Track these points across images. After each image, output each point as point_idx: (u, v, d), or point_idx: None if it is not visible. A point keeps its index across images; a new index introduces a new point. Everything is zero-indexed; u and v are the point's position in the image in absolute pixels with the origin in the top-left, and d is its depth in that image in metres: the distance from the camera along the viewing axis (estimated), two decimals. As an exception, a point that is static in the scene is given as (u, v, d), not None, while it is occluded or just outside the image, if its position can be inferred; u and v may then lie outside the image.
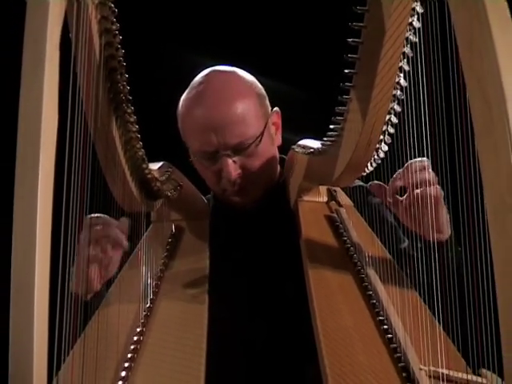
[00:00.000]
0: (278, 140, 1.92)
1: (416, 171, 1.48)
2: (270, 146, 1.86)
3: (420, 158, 1.45)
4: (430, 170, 1.48)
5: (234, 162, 1.76)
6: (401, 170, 1.52)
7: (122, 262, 1.65)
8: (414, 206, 1.49)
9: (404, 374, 1.26)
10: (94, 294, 1.55)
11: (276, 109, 1.90)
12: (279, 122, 1.91)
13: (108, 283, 1.62)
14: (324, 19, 2.68)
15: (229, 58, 2.08)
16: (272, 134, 1.87)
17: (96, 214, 1.53)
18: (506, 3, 0.86)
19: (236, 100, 1.77)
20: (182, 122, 1.84)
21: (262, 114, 1.83)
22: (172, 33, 2.85)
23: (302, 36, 2.79)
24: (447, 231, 1.55)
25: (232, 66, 1.91)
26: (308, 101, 2.60)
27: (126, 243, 1.56)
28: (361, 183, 1.85)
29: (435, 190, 1.46)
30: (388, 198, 1.53)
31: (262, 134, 1.80)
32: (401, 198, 1.52)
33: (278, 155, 1.92)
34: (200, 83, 1.82)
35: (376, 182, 1.56)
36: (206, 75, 1.84)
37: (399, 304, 1.44)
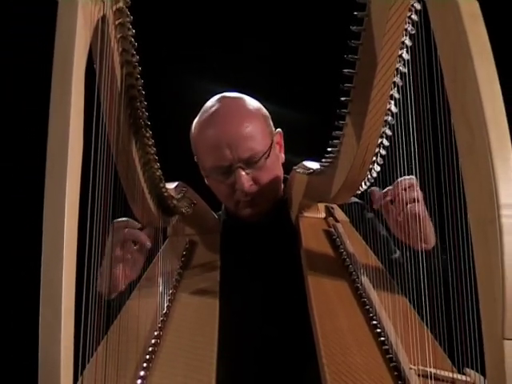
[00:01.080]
0: (282, 158, 1.93)
1: (405, 188, 1.50)
2: (276, 162, 1.89)
3: (409, 176, 1.47)
4: (418, 187, 1.50)
5: (246, 173, 1.77)
6: (390, 187, 1.54)
7: (145, 264, 1.67)
8: (403, 220, 1.52)
9: (395, 373, 1.26)
10: (118, 293, 1.57)
11: (279, 130, 1.92)
12: (282, 141, 1.92)
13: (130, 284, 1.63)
14: (322, 51, 2.69)
15: (235, 84, 2.11)
16: (277, 152, 1.89)
17: (123, 218, 1.57)
18: (487, 38, 0.86)
19: (245, 119, 1.80)
20: (197, 143, 1.85)
21: (268, 133, 1.85)
22: (182, 63, 2.84)
23: (305, 67, 2.79)
24: (432, 241, 1.57)
25: (239, 92, 1.92)
26: (308, 125, 2.60)
27: (149, 245, 1.59)
28: (356, 200, 1.86)
29: (421, 207, 1.48)
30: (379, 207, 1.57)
31: (269, 149, 1.82)
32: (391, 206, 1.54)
33: (282, 172, 1.92)
34: (212, 107, 1.84)
35: (377, 188, 1.57)
36: (217, 100, 1.86)
37: (390, 309, 1.44)
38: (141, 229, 1.62)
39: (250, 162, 1.78)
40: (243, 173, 1.77)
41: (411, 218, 1.50)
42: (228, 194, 1.83)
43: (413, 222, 1.49)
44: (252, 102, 1.87)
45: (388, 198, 1.54)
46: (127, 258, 1.60)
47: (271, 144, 1.84)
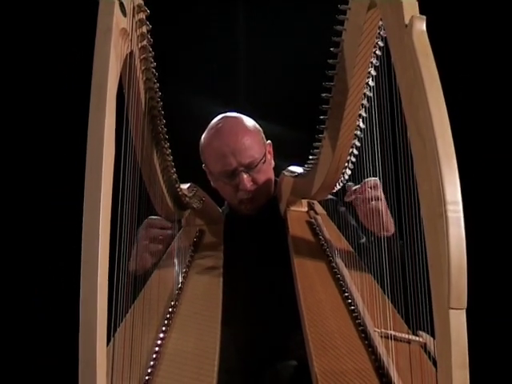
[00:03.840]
0: (272, 163, 1.93)
1: (370, 187, 1.52)
2: (269, 167, 1.89)
3: (373, 178, 1.48)
4: (380, 187, 1.51)
5: (247, 176, 1.78)
6: (358, 186, 1.56)
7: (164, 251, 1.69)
8: (368, 212, 1.53)
9: (363, 335, 1.26)
10: (144, 271, 1.59)
11: (269, 141, 1.92)
12: (271, 150, 1.92)
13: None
14: (305, 81, 2.68)
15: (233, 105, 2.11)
16: (269, 159, 1.89)
17: (154, 217, 1.63)
18: (436, 71, 0.86)
19: (245, 134, 1.80)
20: (206, 153, 1.84)
21: (263, 144, 1.86)
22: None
23: (290, 91, 2.78)
24: (392, 230, 1.58)
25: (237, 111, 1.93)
26: (294, 138, 2.58)
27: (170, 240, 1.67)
28: (331, 197, 1.86)
29: (383, 203, 1.52)
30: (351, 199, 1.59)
31: (264, 156, 1.82)
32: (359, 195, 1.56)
33: (273, 175, 1.92)
34: (217, 124, 1.84)
35: (352, 184, 1.59)
36: (221, 119, 1.86)
37: (359, 283, 1.45)
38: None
39: (250, 167, 1.78)
40: (246, 175, 1.77)
41: (375, 211, 1.52)
42: (232, 193, 1.83)
43: (376, 214, 1.51)
44: (249, 120, 1.87)
45: (358, 194, 1.56)
46: (154, 246, 1.63)
47: (265, 152, 1.84)
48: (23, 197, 2.67)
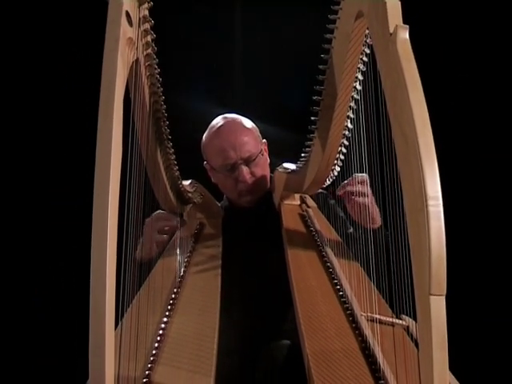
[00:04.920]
0: (268, 160, 1.93)
1: (358, 183, 1.52)
2: (265, 162, 1.89)
3: (361, 174, 1.48)
4: (368, 183, 1.52)
5: (246, 169, 1.78)
6: (347, 180, 1.56)
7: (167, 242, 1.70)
8: (356, 206, 1.55)
9: (351, 318, 1.27)
10: (149, 259, 1.59)
11: (264, 140, 1.92)
12: (267, 148, 1.92)
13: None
14: (298, 86, 2.69)
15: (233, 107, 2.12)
16: (265, 155, 1.89)
17: (160, 211, 1.67)
18: (418, 75, 0.86)
19: (243, 131, 1.81)
20: (208, 149, 1.85)
21: (259, 141, 1.86)
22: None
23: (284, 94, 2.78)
24: (378, 222, 1.59)
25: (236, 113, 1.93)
26: (288, 137, 2.58)
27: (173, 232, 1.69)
28: (322, 191, 1.86)
29: (369, 198, 1.53)
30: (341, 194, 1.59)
31: (261, 151, 1.83)
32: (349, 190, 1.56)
33: (269, 170, 1.92)
34: (217, 123, 1.84)
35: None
36: (221, 119, 1.86)
37: (347, 271, 1.45)
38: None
39: (248, 161, 1.79)
40: (245, 168, 1.78)
41: (362, 205, 1.53)
42: (232, 185, 1.83)
43: (363, 208, 1.52)
44: (246, 120, 1.88)
45: (347, 189, 1.56)
46: (159, 237, 1.66)
47: (262, 148, 1.85)
48: (23, 197, 2.63)
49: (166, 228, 1.68)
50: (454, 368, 0.92)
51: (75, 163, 2.24)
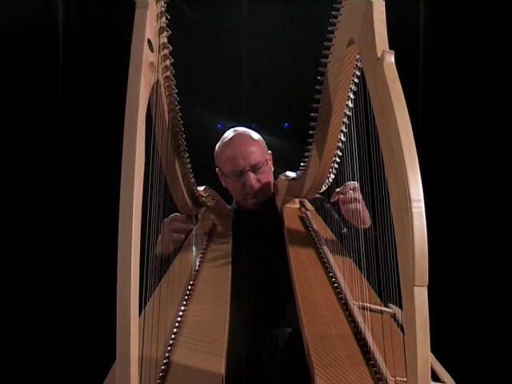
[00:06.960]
0: (272, 169, 1.92)
1: (350, 189, 1.52)
2: (270, 170, 1.88)
3: (353, 182, 1.48)
4: (359, 190, 1.52)
5: (253, 175, 1.78)
6: (341, 188, 1.56)
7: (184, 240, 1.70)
8: (349, 210, 1.54)
9: (344, 307, 1.27)
10: (167, 256, 1.59)
11: (269, 151, 1.91)
12: (271, 158, 1.92)
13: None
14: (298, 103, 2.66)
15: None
16: (270, 164, 1.89)
17: (177, 214, 1.66)
18: (402, 94, 0.86)
19: (252, 141, 1.81)
20: (220, 157, 1.84)
21: (265, 151, 1.85)
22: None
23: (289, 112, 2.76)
24: (368, 223, 1.57)
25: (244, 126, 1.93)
26: (288, 148, 2.56)
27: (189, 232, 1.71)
28: (319, 196, 1.86)
29: (361, 204, 1.53)
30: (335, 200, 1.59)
31: (266, 160, 1.83)
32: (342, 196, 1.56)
33: (272, 178, 1.92)
34: (229, 135, 1.84)
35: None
36: (232, 131, 1.86)
37: (341, 266, 1.45)
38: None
39: (255, 168, 1.78)
40: (252, 175, 1.78)
41: (354, 209, 1.52)
42: (240, 189, 1.82)
43: (355, 211, 1.52)
44: (254, 132, 1.88)
45: (340, 195, 1.56)
46: (176, 236, 1.66)
47: (267, 158, 1.85)
48: (24, 198, 2.52)
49: (180, 228, 1.67)
50: (437, 352, 0.92)
51: (101, 174, 2.20)
